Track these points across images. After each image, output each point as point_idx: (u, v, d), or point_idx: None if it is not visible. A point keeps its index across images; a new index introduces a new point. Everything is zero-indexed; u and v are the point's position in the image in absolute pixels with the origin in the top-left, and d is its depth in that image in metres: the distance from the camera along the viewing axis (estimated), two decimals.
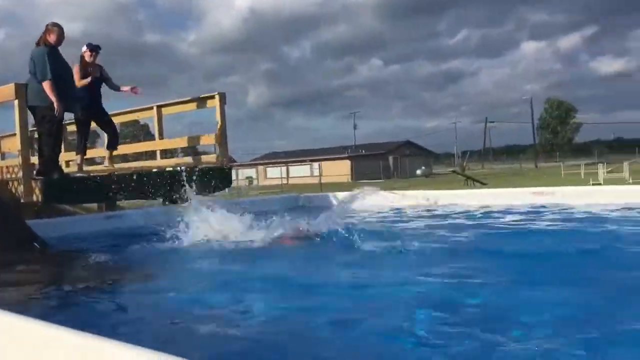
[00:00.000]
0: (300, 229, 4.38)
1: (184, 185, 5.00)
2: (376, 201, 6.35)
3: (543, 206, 6.12)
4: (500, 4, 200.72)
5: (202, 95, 8.48)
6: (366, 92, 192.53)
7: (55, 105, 6.53)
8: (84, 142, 7.79)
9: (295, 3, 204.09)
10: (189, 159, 9.89)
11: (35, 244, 4.59)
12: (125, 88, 7.88)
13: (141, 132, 62.19)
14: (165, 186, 5.13)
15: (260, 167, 60.22)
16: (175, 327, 2.35)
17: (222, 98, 8.09)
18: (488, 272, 3.13)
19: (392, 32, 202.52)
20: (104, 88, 7.76)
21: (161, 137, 9.07)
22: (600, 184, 16.79)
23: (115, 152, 8.41)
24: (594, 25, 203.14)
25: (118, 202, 7.66)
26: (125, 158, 12.62)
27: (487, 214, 6.02)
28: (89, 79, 7.46)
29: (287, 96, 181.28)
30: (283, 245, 4.19)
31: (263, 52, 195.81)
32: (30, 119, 6.86)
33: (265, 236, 4.34)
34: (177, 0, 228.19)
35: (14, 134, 6.77)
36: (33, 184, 6.55)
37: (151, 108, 9.08)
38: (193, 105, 8.63)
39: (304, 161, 56.72)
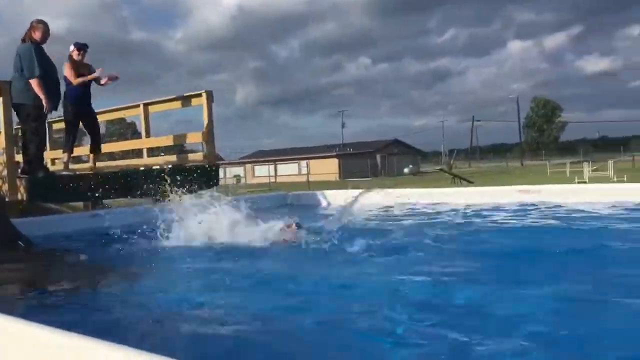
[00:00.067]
0: (288, 228, 4.36)
1: (170, 184, 4.97)
2: (366, 200, 6.35)
3: (529, 204, 6.17)
4: (488, 3, 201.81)
5: (190, 93, 8.45)
6: (354, 90, 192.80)
7: (44, 102, 6.47)
8: (72, 141, 7.74)
9: (283, 0, 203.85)
10: (176, 157, 9.84)
11: (20, 243, 4.55)
12: (103, 81, 7.77)
13: (128, 130, 61.82)
14: (151, 185, 5.10)
15: (248, 166, 60.09)
16: (160, 327, 2.34)
17: (210, 96, 8.06)
18: (471, 270, 3.15)
19: (380, 30, 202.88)
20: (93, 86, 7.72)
21: (148, 135, 9.02)
22: (585, 182, 16.94)
23: (102, 150, 8.37)
24: (580, 25, 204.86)
25: (104, 201, 7.60)
26: (112, 156, 12.54)
27: (474, 212, 6.06)
28: (89, 77, 7.42)
29: (275, 94, 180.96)
30: (274, 245, 4.16)
31: (251, 50, 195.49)
32: (15, 116, 6.80)
33: (254, 235, 4.33)
34: None
35: None
36: (18, 182, 6.49)
37: (138, 106, 9.02)
38: (180, 103, 8.59)
39: (292, 159, 56.68)
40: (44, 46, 6.79)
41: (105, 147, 10.27)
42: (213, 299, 2.72)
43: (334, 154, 55.32)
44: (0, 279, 3.55)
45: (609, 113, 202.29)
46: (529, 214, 5.69)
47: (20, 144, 7.43)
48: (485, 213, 5.95)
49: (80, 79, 7.33)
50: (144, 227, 4.36)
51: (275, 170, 55.37)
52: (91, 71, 7.60)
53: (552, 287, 2.66)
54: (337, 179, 48.21)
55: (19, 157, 7.14)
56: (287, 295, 2.76)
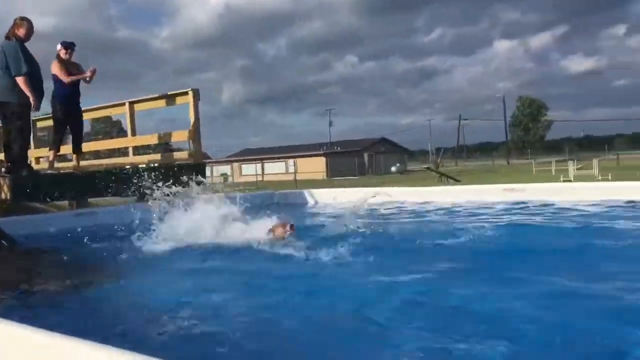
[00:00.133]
0: (283, 227, 4.32)
1: (156, 183, 4.93)
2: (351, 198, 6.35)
3: (514, 202, 6.21)
4: (475, 2, 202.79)
5: (176, 92, 8.42)
6: (341, 88, 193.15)
7: (32, 100, 6.42)
8: (59, 140, 7.69)
9: None
10: (162, 156, 9.80)
11: (4, 242, 4.51)
12: (87, 76, 7.67)
13: (114, 129, 61.35)
14: (136, 184, 5.07)
15: (235, 164, 59.89)
16: (143, 326, 2.32)
17: (196, 94, 8.04)
18: (455, 269, 3.16)
19: (367, 28, 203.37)
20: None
21: (134, 133, 8.97)
22: (570, 181, 17.09)
23: (87, 149, 8.31)
24: (565, 25, 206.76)
25: (89, 200, 7.55)
26: (97, 154, 12.46)
27: (459, 210, 6.09)
28: (79, 76, 7.37)
29: (263, 92, 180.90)
30: (260, 244, 4.13)
31: (238, 48, 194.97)
32: None
33: (241, 234, 4.31)
34: None
35: None
36: (1, 181, 6.42)
37: (123, 104, 8.97)
38: (167, 102, 8.56)
39: (280, 158, 56.60)
40: (27, 44, 6.72)
41: (91, 146, 10.21)
42: (198, 299, 2.71)
43: (322, 152, 55.32)
44: None
45: (594, 112, 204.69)
46: (514, 212, 5.73)
47: (2, 143, 7.36)
48: (471, 211, 5.99)
49: (71, 77, 7.27)
50: (129, 226, 4.33)
51: (263, 168, 55.24)
52: (80, 70, 7.55)
53: (536, 284, 2.68)
54: (325, 177, 48.22)
55: (1, 156, 7.08)
56: (269, 296, 2.76)
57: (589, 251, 3.58)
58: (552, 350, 1.88)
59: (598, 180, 16.27)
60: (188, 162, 8.12)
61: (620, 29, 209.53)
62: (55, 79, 7.34)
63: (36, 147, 9.49)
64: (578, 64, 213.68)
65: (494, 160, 65.06)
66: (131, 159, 8.94)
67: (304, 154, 55.25)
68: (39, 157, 9.49)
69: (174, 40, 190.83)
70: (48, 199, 7.04)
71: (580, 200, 5.94)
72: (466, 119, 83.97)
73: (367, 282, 2.87)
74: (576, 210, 5.53)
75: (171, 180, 4.70)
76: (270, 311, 2.47)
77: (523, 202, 6.16)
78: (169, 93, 8.52)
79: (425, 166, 39.67)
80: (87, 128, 8.88)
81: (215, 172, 49.68)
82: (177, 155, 9.14)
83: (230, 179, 53.00)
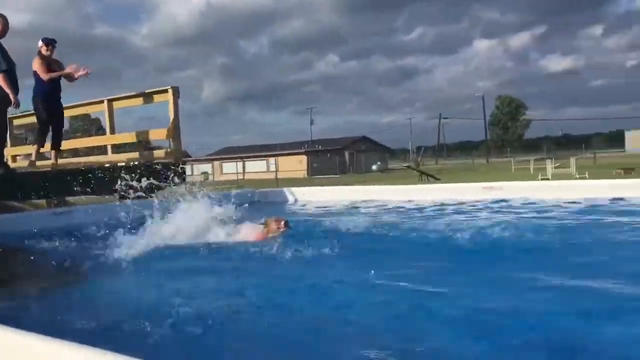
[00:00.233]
0: (265, 222, 4.31)
1: (136, 182, 4.89)
2: (331, 196, 6.38)
3: (493, 200, 6.28)
4: (455, 1, 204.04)
5: (155, 90, 8.34)
6: (322, 87, 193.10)
7: (11, 97, 6.33)
8: (42, 138, 7.59)
9: None
10: (141, 154, 9.70)
11: None
12: (78, 74, 7.58)
13: (92, 127, 60.62)
14: (114, 182, 5.01)
15: (216, 163, 59.56)
16: (123, 326, 2.31)
17: (176, 92, 7.98)
18: (436, 267, 3.19)
19: (348, 27, 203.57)
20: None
21: (112, 131, 8.87)
22: (548, 179, 17.32)
23: (65, 147, 8.20)
24: (543, 24, 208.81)
25: (67, 198, 7.46)
26: (76, 152, 12.31)
27: (440, 209, 6.14)
28: (59, 73, 7.27)
29: (243, 91, 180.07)
30: (244, 244, 4.11)
31: (219, 46, 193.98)
32: None
33: (221, 234, 4.29)
34: None
35: None
36: None
37: (102, 102, 8.86)
38: (146, 100, 8.48)
39: (261, 156, 56.44)
40: (4, 41, 6.62)
41: (69, 144, 10.08)
42: (176, 299, 2.69)
43: (303, 151, 55.28)
44: None
45: (572, 111, 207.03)
46: (494, 210, 5.80)
47: None
48: (450, 209, 6.04)
49: (50, 75, 7.18)
50: (107, 225, 4.28)
51: (244, 167, 55.02)
52: (61, 67, 7.45)
53: (517, 281, 2.72)
54: (306, 176, 48.20)
55: None
56: (251, 295, 2.75)
57: (567, 247, 3.63)
58: (531, 347, 1.91)
59: (575, 179, 16.50)
60: (168, 160, 8.06)
61: (597, 30, 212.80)
62: (36, 76, 7.24)
63: (13, 145, 9.34)
64: (556, 63, 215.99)
65: (474, 158, 65.55)
66: (110, 157, 8.84)
67: (285, 152, 55.17)
68: (15, 155, 9.34)
69: (154, 37, 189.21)
70: (26, 198, 6.94)
71: (558, 198, 6.02)
72: (446, 118, 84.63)
73: (348, 281, 2.89)
74: (554, 207, 5.61)
75: (150, 179, 4.66)
76: (253, 310, 2.47)
77: (503, 200, 6.23)
78: (148, 91, 8.44)
79: (406, 165, 39.89)
80: (65, 125, 8.70)
81: (195, 170, 49.38)
82: (156, 153, 9.07)
83: (211, 178, 52.74)
